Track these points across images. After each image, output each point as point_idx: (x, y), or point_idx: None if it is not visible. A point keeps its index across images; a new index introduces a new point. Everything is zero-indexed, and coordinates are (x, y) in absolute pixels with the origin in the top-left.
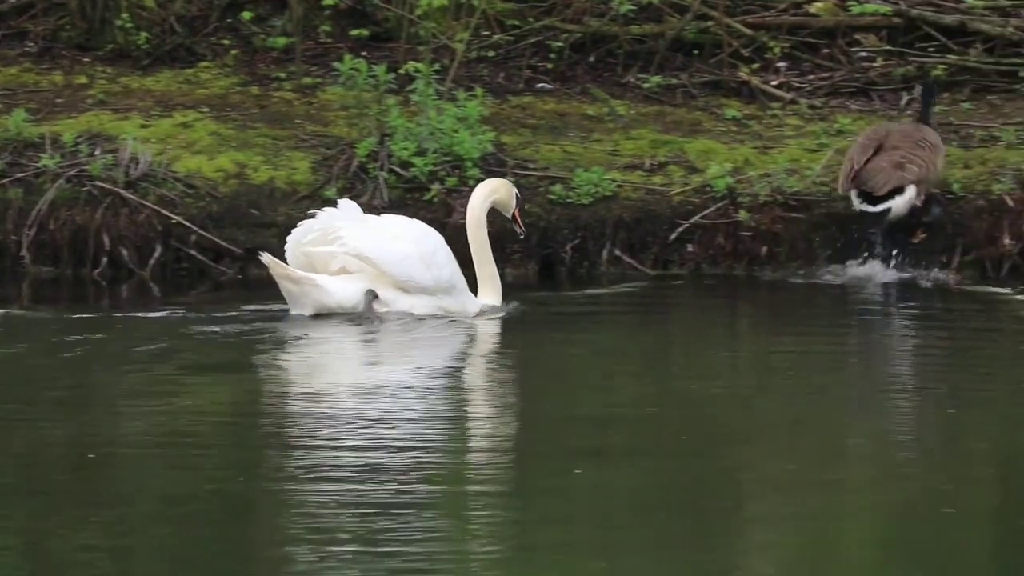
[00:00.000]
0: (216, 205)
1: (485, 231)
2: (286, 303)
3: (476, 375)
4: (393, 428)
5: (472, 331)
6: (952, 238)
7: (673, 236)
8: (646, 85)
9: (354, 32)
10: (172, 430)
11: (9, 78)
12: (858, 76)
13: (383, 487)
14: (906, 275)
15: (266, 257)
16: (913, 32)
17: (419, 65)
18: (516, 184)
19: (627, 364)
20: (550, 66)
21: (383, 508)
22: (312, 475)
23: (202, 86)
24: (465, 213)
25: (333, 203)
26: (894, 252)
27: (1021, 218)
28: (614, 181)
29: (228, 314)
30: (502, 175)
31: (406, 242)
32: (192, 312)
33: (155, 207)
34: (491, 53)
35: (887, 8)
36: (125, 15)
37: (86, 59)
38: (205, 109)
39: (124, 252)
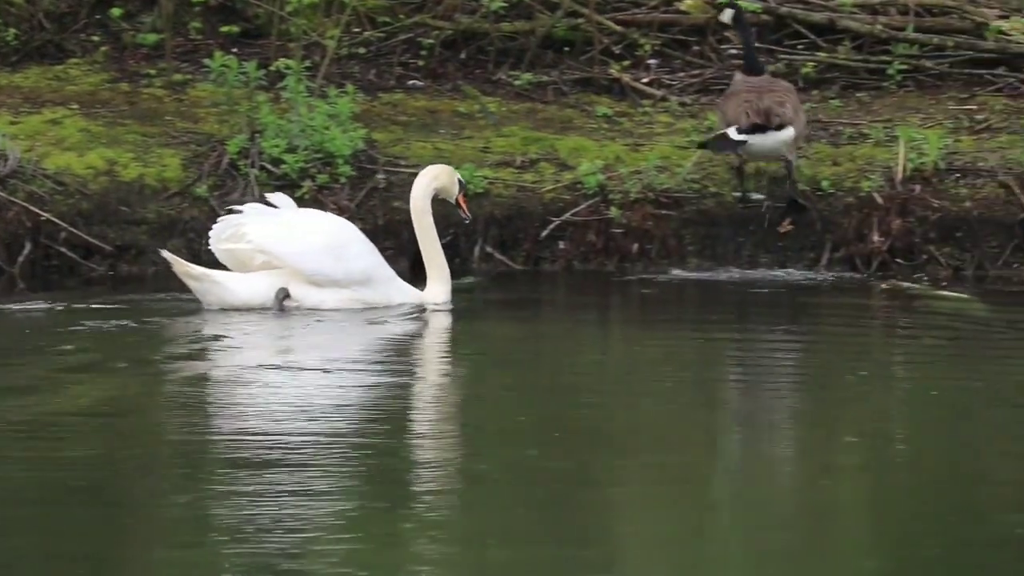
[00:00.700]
0: (86, 202)
1: (430, 220)
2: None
3: (325, 367)
4: (257, 418)
5: (365, 324)
6: (821, 235)
7: (544, 233)
8: (517, 82)
9: (224, 29)
10: (48, 423)
11: None
12: (728, 74)
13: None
14: (776, 272)
15: (167, 254)
16: (782, 30)
17: (290, 62)
18: (386, 182)
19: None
20: (421, 63)
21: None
22: (181, 468)
23: (71, 83)
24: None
25: (205, 201)
26: (763, 249)
27: (890, 215)
28: (485, 178)
29: (107, 307)
30: (374, 172)
31: (314, 235)
32: (69, 306)
33: (24, 204)
34: (362, 50)
35: (756, 6)
36: None
37: None
38: (75, 106)
39: None
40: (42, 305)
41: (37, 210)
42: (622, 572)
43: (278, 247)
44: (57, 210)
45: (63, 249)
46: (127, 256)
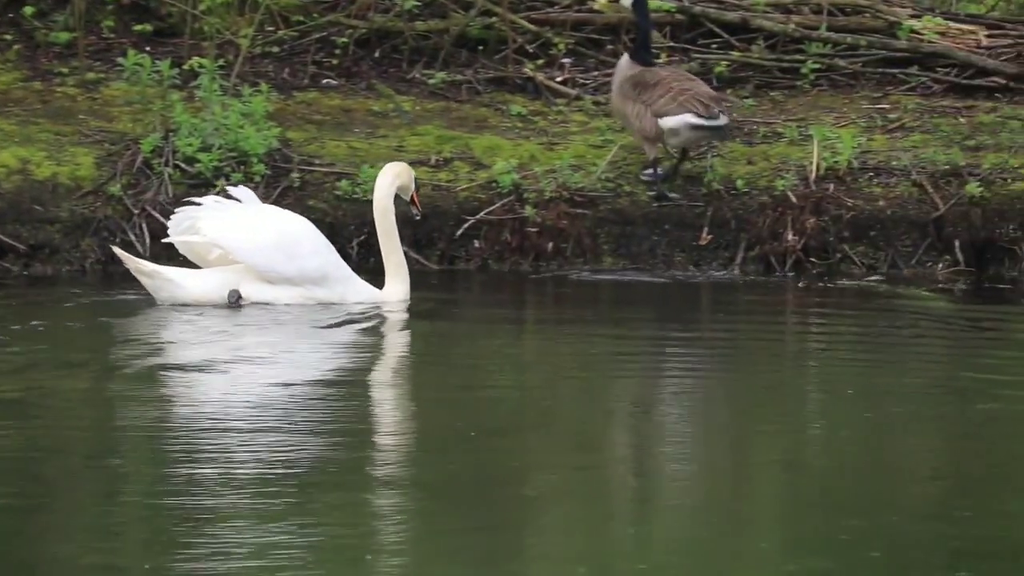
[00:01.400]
0: None
1: (392, 219)
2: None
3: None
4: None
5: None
6: (736, 234)
7: (459, 232)
8: (431, 81)
9: (138, 27)
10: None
11: None
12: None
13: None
14: (690, 271)
15: (119, 252)
16: (696, 29)
17: (203, 61)
18: (301, 180)
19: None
20: (335, 62)
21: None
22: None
23: None
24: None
25: (119, 200)
26: (678, 248)
27: (804, 214)
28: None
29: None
30: (288, 171)
31: (267, 232)
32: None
33: None
34: (276, 49)
35: (670, 5)
36: None
37: None
38: None
39: None
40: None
41: None
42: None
43: (231, 242)
44: None
45: None
46: (41, 255)
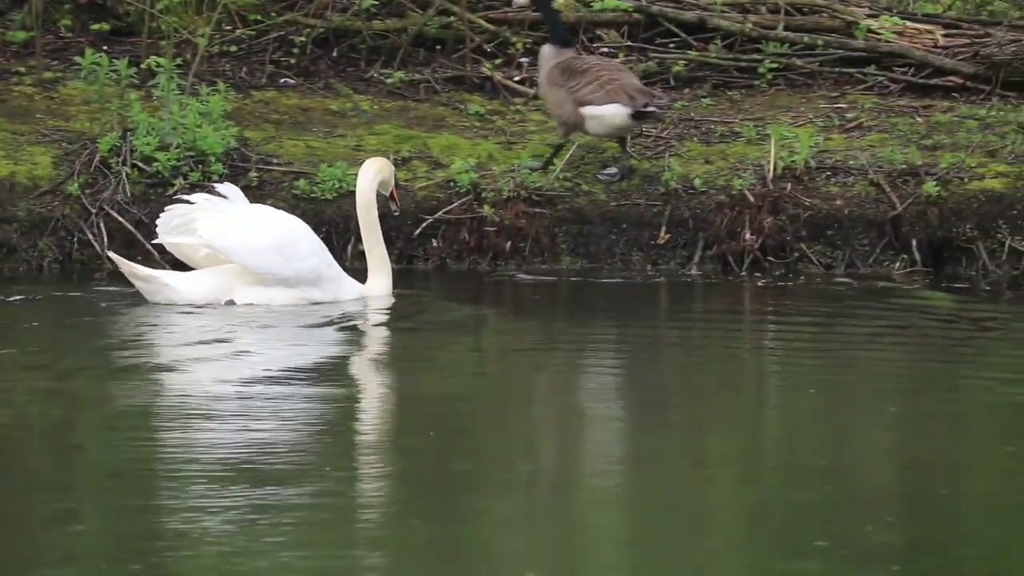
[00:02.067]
0: None
1: (375, 214)
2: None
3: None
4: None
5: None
6: (694, 233)
7: (417, 231)
8: (389, 80)
9: (95, 26)
10: None
11: None
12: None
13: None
14: (649, 271)
15: (113, 255)
16: (653, 28)
17: (161, 60)
18: (259, 180)
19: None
20: (293, 61)
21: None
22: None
23: None
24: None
25: (77, 199)
26: (636, 247)
27: (762, 213)
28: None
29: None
30: (246, 171)
31: (262, 233)
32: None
33: None
34: (234, 48)
35: (627, 4)
36: None
37: None
38: None
39: None
40: None
41: None
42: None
43: (227, 244)
44: None
45: None
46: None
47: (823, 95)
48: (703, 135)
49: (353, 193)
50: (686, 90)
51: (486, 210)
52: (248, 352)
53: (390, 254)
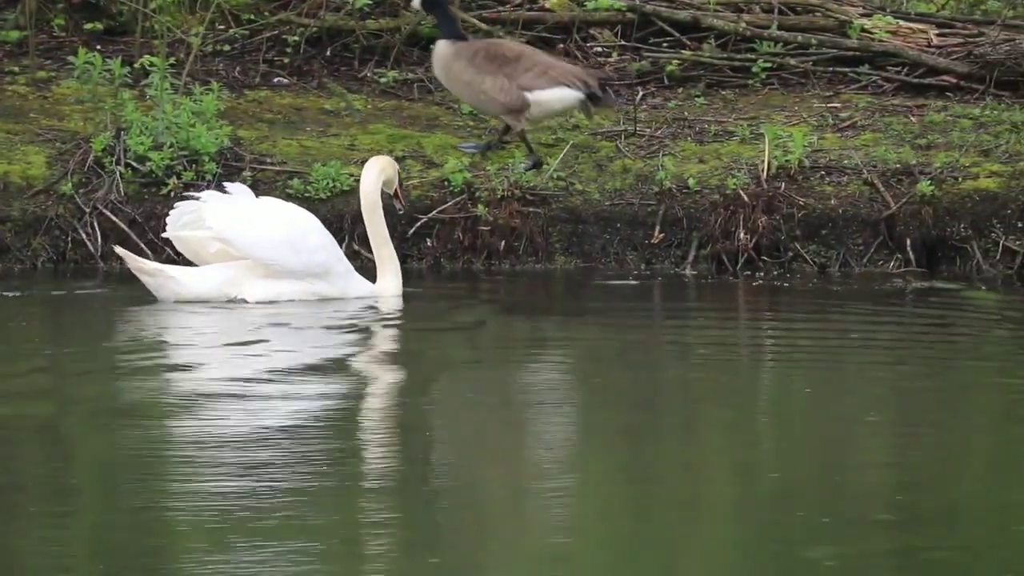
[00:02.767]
0: None
1: (381, 213)
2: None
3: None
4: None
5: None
6: (688, 232)
7: (411, 231)
8: (383, 80)
9: (88, 26)
10: None
11: None
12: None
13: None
14: (643, 270)
15: (120, 251)
16: (647, 28)
17: (154, 59)
18: (252, 179)
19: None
20: (286, 61)
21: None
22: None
23: None
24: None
25: (71, 198)
26: (631, 246)
27: (756, 213)
28: (352, 176)
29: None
30: (240, 170)
31: (272, 225)
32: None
33: None
34: (227, 47)
35: (621, 4)
36: None
37: None
38: None
39: None
40: None
41: None
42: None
43: (237, 236)
44: None
45: None
46: None
47: (817, 94)
48: (697, 134)
49: (347, 192)
50: (680, 89)
51: (480, 209)
52: (255, 351)
53: None
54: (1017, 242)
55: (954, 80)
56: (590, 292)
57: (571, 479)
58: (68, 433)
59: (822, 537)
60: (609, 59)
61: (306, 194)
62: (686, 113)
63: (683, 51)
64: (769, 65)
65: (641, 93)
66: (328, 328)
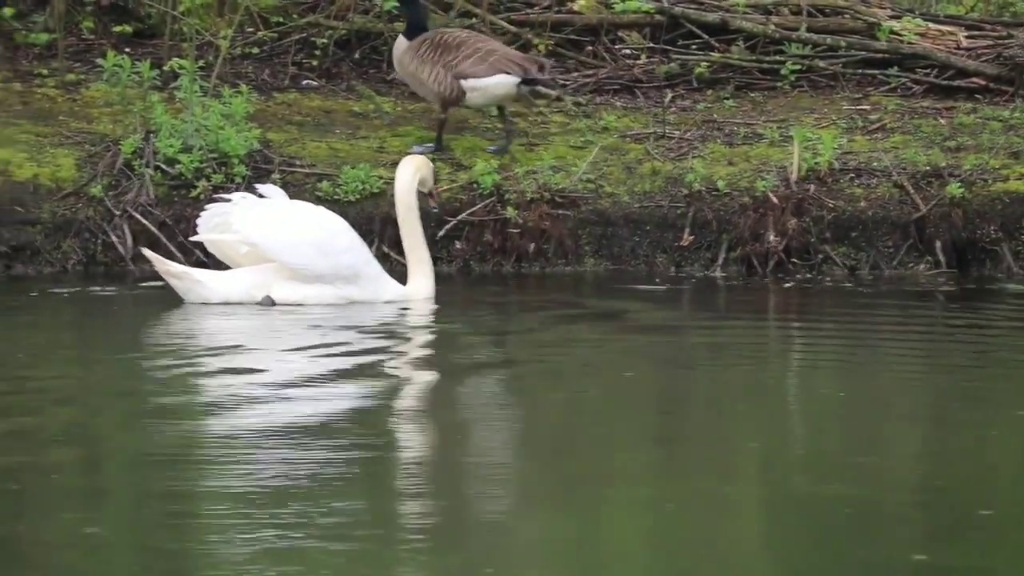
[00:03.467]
0: None
1: (416, 214)
2: None
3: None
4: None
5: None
6: (717, 235)
7: (441, 233)
8: None
9: (117, 29)
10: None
11: None
12: (622, 73)
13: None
14: (673, 273)
15: (148, 253)
16: (676, 30)
17: (183, 62)
18: (282, 181)
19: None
20: (315, 63)
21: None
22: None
23: None
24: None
25: (100, 201)
26: (660, 248)
27: (785, 215)
28: (381, 178)
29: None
30: (269, 172)
31: (300, 229)
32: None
33: None
34: (256, 50)
35: (650, 6)
36: None
37: None
38: None
39: None
40: None
41: None
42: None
43: (265, 239)
44: None
45: None
46: (22, 256)
47: (846, 96)
48: (726, 137)
49: (376, 195)
50: (709, 92)
51: (509, 212)
52: (282, 353)
53: None
54: None
55: (983, 82)
56: (620, 295)
57: (606, 482)
58: (99, 434)
59: (855, 540)
60: (638, 61)
61: (335, 196)
62: (715, 115)
63: (712, 53)
64: (798, 67)
65: (670, 95)
66: (355, 330)
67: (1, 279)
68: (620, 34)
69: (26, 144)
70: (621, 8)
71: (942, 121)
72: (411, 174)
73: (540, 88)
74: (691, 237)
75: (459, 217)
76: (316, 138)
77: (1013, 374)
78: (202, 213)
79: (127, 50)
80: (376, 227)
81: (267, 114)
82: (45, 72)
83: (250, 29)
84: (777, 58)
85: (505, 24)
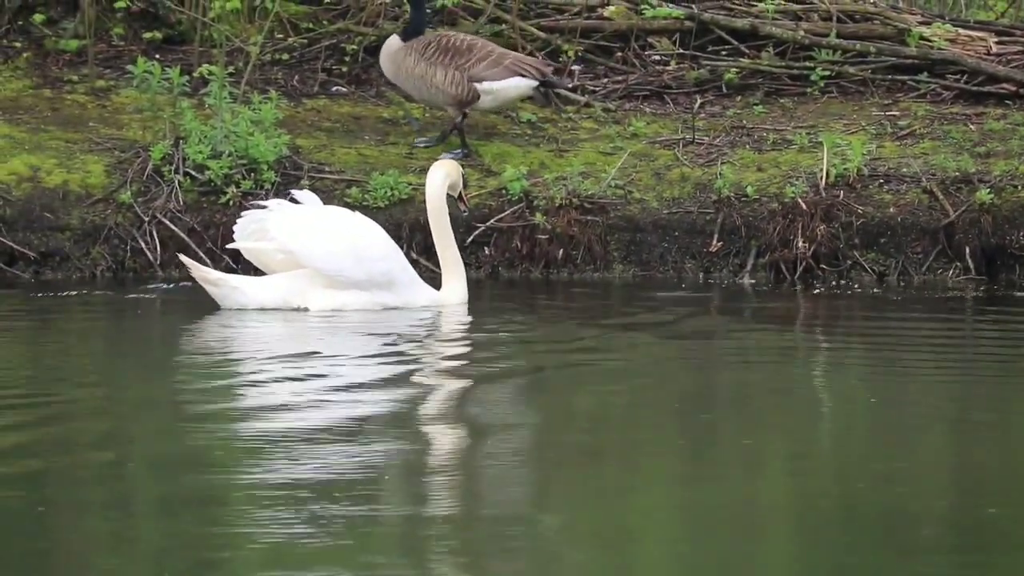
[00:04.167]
0: (9, 209)
1: (447, 219)
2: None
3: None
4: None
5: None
6: (746, 241)
7: (470, 239)
8: None
9: (147, 35)
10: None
11: None
12: (652, 79)
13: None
14: (701, 279)
15: (185, 259)
16: (705, 36)
17: (213, 68)
18: (311, 187)
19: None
20: (345, 69)
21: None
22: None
23: None
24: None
25: (130, 207)
26: (688, 254)
27: (814, 221)
28: (410, 184)
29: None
30: (298, 179)
31: (335, 235)
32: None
33: None
34: (285, 56)
35: (679, 12)
36: None
37: None
38: None
39: None
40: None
41: None
42: None
43: (300, 247)
44: None
45: None
46: (51, 262)
47: (875, 102)
48: (755, 143)
49: (405, 201)
50: (738, 97)
51: (538, 218)
52: (316, 359)
53: None
54: None
55: (1013, 88)
56: (648, 301)
57: (636, 487)
58: (135, 440)
59: (884, 545)
60: (667, 67)
61: (364, 203)
62: (744, 121)
63: (741, 59)
64: (828, 73)
65: (699, 101)
66: (390, 336)
67: (31, 285)
68: (650, 40)
69: (56, 150)
70: (651, 14)
71: (972, 127)
72: (441, 179)
73: (555, 91)
74: (720, 243)
75: (488, 223)
76: (345, 144)
77: None
78: (238, 220)
79: (157, 56)
80: (405, 233)
81: (296, 120)
82: (75, 78)
83: (280, 35)
84: (807, 64)
85: (535, 30)
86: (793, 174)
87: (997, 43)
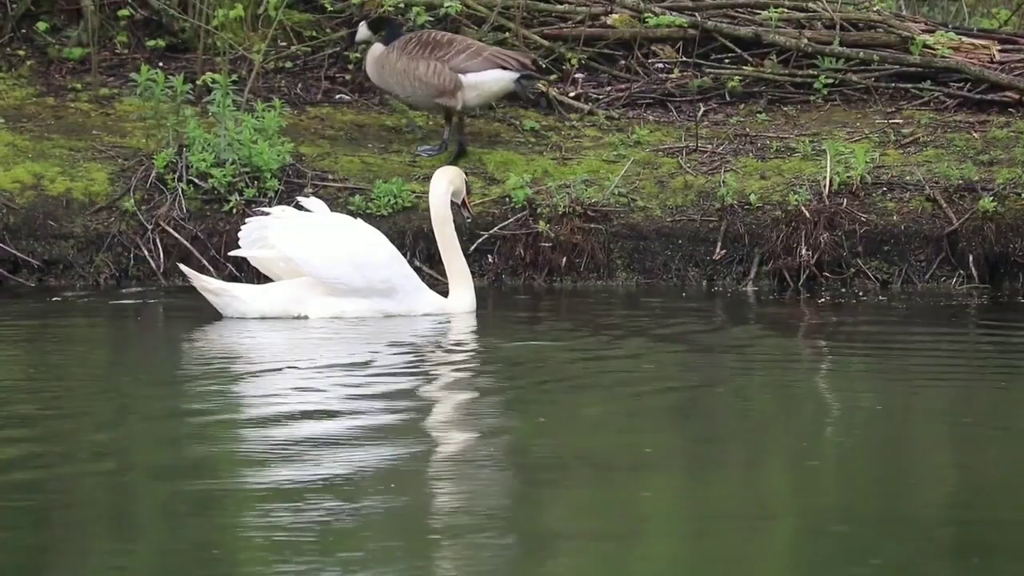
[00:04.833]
0: (13, 216)
1: (452, 226)
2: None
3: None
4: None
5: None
6: (750, 249)
7: (473, 247)
8: None
9: (151, 43)
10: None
11: None
12: (655, 87)
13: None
14: (705, 287)
15: (185, 269)
16: (709, 44)
17: (217, 76)
18: (314, 195)
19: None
20: (348, 77)
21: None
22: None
23: None
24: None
25: (133, 215)
26: (692, 262)
27: (818, 229)
28: (413, 192)
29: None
30: (301, 187)
31: (335, 243)
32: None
33: None
34: (289, 64)
35: (683, 20)
36: None
37: None
38: (0, 120)
39: None
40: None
41: None
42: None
43: (299, 254)
44: None
45: None
46: (55, 270)
47: (879, 110)
48: (759, 150)
49: (409, 209)
50: (742, 105)
51: (541, 226)
52: (317, 369)
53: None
54: None
55: (1017, 96)
56: (652, 309)
57: (640, 496)
58: (137, 450)
59: (888, 553)
60: (670, 75)
61: (367, 211)
62: (748, 129)
63: (745, 67)
64: (831, 81)
65: (703, 109)
66: (394, 344)
67: (34, 293)
68: (653, 48)
69: (59, 158)
70: (654, 22)
71: (975, 135)
72: (444, 187)
73: (534, 84)
74: (723, 251)
75: (491, 231)
76: (349, 152)
77: None
78: (243, 227)
79: (160, 64)
80: (409, 241)
81: (300, 128)
82: (79, 86)
83: (283, 43)
84: (810, 72)
85: (539, 38)
86: (796, 182)
87: (1000, 51)
